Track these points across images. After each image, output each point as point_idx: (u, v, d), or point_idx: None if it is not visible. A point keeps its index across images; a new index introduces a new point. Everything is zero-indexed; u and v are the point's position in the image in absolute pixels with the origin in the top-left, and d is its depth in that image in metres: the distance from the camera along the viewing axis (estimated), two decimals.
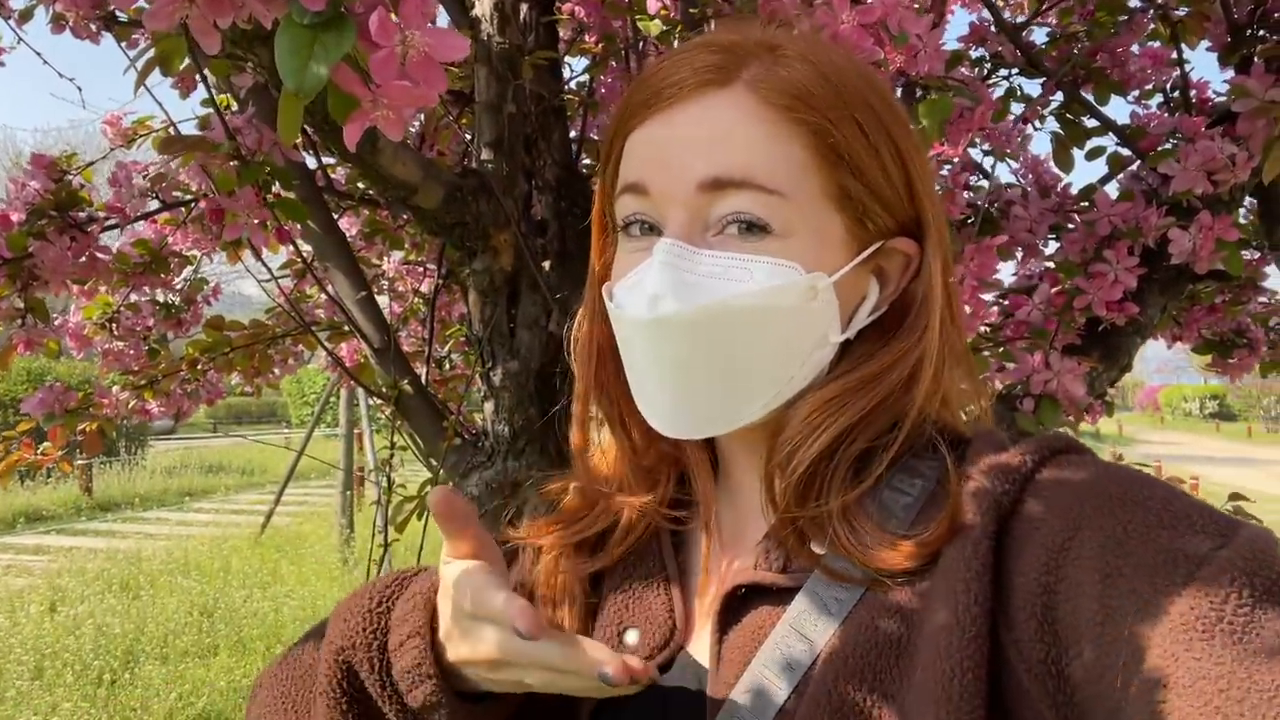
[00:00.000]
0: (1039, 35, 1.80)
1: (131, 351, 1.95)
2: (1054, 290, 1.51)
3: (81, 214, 1.59)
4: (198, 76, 1.38)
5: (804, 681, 0.53)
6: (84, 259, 1.58)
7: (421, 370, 1.72)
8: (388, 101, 0.62)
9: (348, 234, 1.92)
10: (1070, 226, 1.60)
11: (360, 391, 5.56)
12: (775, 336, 0.57)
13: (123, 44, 1.43)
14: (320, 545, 7.93)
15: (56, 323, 1.92)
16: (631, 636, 0.63)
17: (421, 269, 2.51)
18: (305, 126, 1.16)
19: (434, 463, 1.63)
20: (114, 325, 1.90)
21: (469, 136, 1.76)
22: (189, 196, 1.74)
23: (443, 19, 1.61)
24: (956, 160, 1.56)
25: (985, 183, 1.68)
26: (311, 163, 1.64)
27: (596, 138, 1.94)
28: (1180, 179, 1.37)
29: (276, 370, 2.21)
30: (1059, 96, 1.70)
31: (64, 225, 1.53)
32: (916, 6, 1.10)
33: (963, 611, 0.48)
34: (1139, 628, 0.43)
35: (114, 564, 7.21)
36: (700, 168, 0.56)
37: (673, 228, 0.57)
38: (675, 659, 0.62)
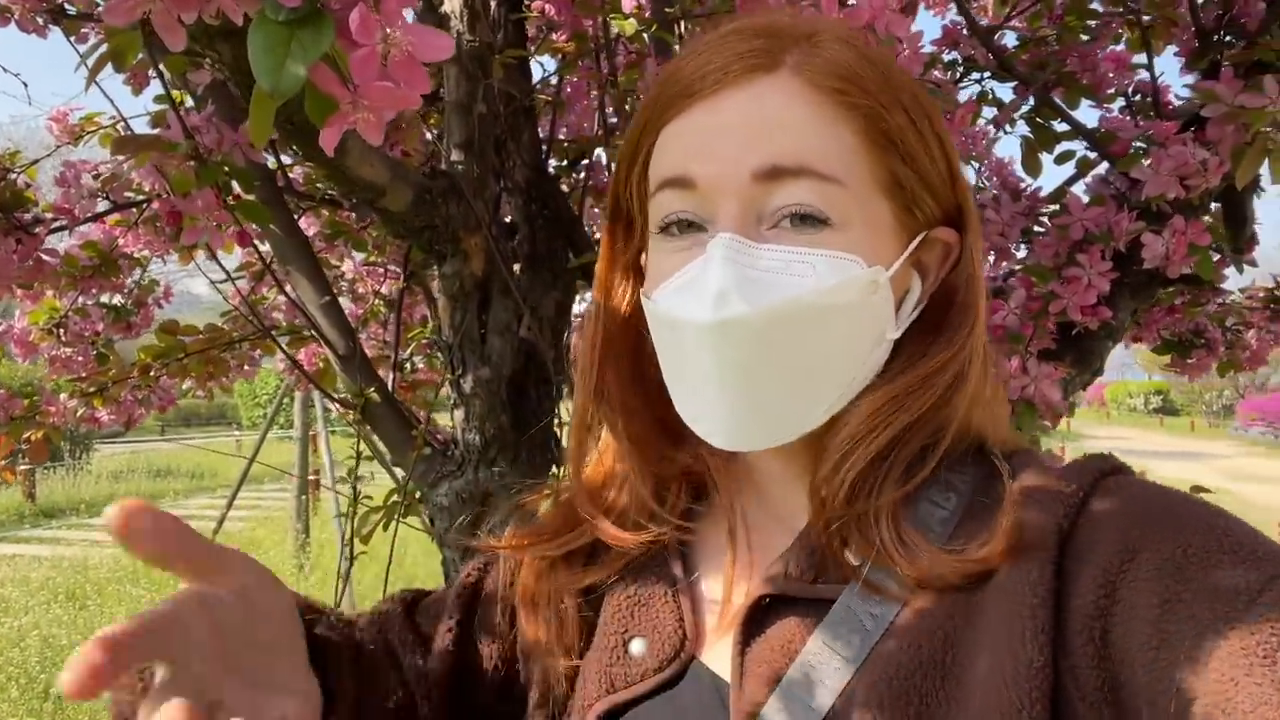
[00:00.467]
0: (1009, 39, 1.80)
1: (80, 358, 1.88)
2: (1028, 295, 1.51)
3: (27, 215, 1.52)
4: (152, 73, 1.32)
5: (842, 700, 0.51)
6: (30, 262, 1.51)
7: (387, 376, 1.67)
8: (368, 103, 0.59)
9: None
10: (1040, 230, 1.61)
11: (317, 393, 5.46)
12: (839, 335, 0.54)
13: (71, 38, 1.36)
14: (275, 551, 7.76)
15: (1, 328, 1.83)
16: (638, 646, 0.60)
17: (382, 270, 2.45)
18: None
19: (399, 472, 1.58)
20: (62, 330, 1.83)
21: (436, 136, 1.71)
22: (141, 197, 1.67)
23: (409, 17, 1.57)
24: None
25: None
26: (270, 162, 1.58)
27: (564, 139, 1.90)
28: (1153, 184, 1.37)
29: (231, 375, 2.14)
30: (1030, 100, 1.70)
31: (8, 227, 1.46)
32: (898, 8, 1.09)
33: (1030, 639, 0.46)
34: (1197, 653, 0.42)
35: (59, 572, 7.04)
36: (754, 156, 0.52)
37: (725, 221, 0.53)
38: (687, 670, 0.59)
